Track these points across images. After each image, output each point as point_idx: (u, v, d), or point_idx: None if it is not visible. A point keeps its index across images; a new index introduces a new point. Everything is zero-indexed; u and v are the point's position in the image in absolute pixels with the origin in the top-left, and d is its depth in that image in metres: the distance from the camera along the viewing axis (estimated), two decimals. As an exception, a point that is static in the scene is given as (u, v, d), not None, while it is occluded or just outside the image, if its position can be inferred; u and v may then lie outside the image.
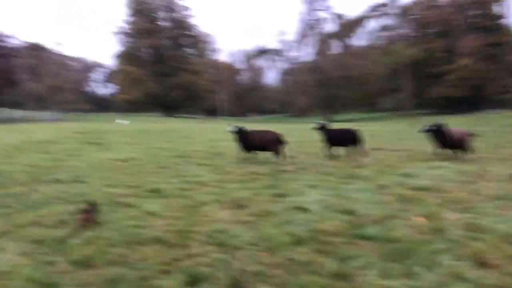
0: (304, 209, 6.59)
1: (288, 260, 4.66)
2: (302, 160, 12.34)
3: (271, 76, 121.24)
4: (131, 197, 7.42)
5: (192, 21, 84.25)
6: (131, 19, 79.19)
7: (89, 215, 5.79)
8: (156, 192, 7.81)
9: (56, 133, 21.25)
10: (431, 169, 10.28)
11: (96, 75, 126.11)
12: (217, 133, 22.25)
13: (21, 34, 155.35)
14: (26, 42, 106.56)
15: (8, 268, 4.38)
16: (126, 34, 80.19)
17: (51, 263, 4.55)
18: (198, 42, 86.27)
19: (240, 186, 8.38)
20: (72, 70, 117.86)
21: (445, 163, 11.06)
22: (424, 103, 68.36)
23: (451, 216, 6.12)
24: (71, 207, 6.54)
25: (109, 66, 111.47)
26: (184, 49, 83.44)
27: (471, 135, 12.26)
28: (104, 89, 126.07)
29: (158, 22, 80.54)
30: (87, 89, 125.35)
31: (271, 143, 11.93)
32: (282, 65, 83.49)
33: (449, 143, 12.08)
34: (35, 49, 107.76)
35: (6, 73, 52.37)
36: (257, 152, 12.44)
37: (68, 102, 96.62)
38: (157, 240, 5.24)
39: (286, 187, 8.27)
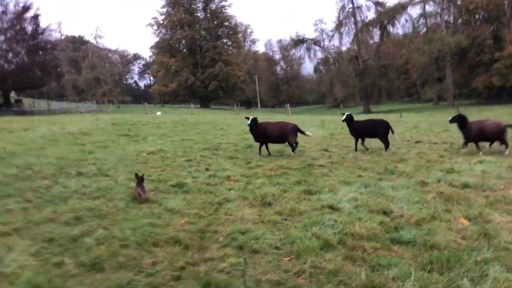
0: (335, 209, 6.06)
1: (313, 267, 4.16)
2: (337, 154, 11.72)
3: (308, 66, 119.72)
4: (154, 192, 7.10)
5: (229, 11, 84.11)
6: (168, 10, 79.74)
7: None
8: (179, 187, 7.47)
9: (89, 124, 21.41)
10: (475, 164, 9.46)
11: (136, 67, 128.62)
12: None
13: (63, 28, 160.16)
14: (68, 36, 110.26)
15: (11, 269, 4.10)
16: (162, 25, 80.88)
17: (58, 265, 4.25)
18: (235, 32, 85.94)
19: (268, 181, 7.92)
20: (112, 63, 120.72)
21: (490, 158, 10.19)
22: (468, 93, 65.56)
23: (499, 219, 5.43)
24: (89, 203, 6.28)
25: (148, 58, 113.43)
26: (221, 40, 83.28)
27: (507, 126, 11.20)
28: (143, 81, 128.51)
29: (195, 13, 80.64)
30: (127, 81, 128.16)
31: (286, 134, 11.49)
32: (320, 54, 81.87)
33: (474, 134, 11.32)
34: (77, 42, 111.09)
35: (48, 66, 53.70)
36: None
37: (108, 94, 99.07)
38: (173, 241, 4.87)
39: (317, 184, 7.74)
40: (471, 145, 11.62)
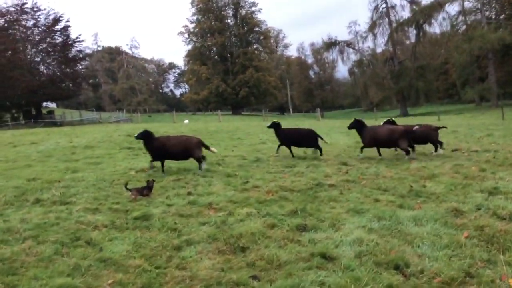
0: (329, 258, 4.40)
1: None
2: (356, 169, 9.94)
3: (342, 70, 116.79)
4: (106, 229, 5.60)
5: (260, 16, 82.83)
6: (198, 18, 79.36)
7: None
8: (143, 220, 5.95)
9: (103, 136, 20.40)
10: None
11: (171, 76, 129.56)
12: (270, 133, 20.16)
13: (100, 39, 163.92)
14: (105, 47, 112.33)
15: None
16: (193, 33, 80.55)
17: None
18: (266, 38, 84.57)
19: (257, 211, 6.28)
20: (148, 72, 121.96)
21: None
22: (514, 93, 61.46)
23: None
24: (11, 247, 4.86)
25: (182, 67, 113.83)
26: (252, 46, 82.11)
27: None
28: (178, 90, 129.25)
29: (225, 20, 79.89)
30: (163, 90, 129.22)
31: (190, 150, 10.06)
32: (354, 57, 79.13)
33: (369, 141, 11.57)
34: (113, 53, 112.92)
35: (78, 76, 54.18)
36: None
37: (143, 103, 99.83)
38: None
39: (318, 214, 6.05)
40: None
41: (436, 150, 11.90)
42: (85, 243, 5.08)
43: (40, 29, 51.26)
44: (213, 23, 77.33)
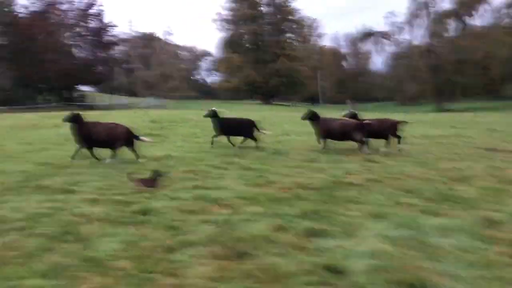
0: (336, 272, 3.85)
1: None
2: (381, 166, 9.28)
3: (378, 61, 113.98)
4: (99, 223, 5.21)
5: (294, 5, 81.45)
6: (233, 5, 78.77)
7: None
8: (142, 214, 5.52)
9: (126, 121, 20.24)
10: None
11: (204, 64, 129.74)
12: (296, 124, 19.49)
13: (135, 25, 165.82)
14: (140, 33, 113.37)
15: None
16: (228, 21, 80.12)
17: None
18: (300, 27, 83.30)
19: (265, 210, 5.76)
20: (182, 59, 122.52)
21: None
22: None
23: None
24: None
25: (215, 54, 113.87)
26: (286, 34, 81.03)
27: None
28: (211, 77, 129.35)
29: (259, 8, 78.98)
30: (195, 77, 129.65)
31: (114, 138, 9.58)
32: (391, 49, 76.87)
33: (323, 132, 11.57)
34: (148, 39, 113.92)
35: (110, 61, 54.88)
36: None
37: (176, 89, 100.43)
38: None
39: (332, 217, 5.48)
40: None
41: (386, 146, 11.87)
42: (73, 238, 4.69)
43: (74, 13, 51.94)
44: (247, 10, 76.61)
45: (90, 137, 9.57)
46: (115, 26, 55.22)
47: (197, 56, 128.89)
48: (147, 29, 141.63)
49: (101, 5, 55.30)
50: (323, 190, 7.00)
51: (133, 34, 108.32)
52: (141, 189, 6.70)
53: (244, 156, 10.44)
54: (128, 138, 9.73)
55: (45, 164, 8.87)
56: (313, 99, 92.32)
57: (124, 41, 73.87)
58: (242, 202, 6.16)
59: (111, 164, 9.08)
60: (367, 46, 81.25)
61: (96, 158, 9.66)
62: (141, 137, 10.11)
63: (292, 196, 6.56)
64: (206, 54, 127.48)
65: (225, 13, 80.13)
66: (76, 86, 56.29)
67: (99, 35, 52.60)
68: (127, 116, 26.31)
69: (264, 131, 12.57)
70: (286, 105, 70.59)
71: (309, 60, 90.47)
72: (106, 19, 53.74)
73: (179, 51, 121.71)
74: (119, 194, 6.50)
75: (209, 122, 12.80)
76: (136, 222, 5.25)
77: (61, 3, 51.08)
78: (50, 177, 7.62)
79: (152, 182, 6.88)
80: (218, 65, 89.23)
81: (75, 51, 53.64)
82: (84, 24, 52.35)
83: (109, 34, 54.49)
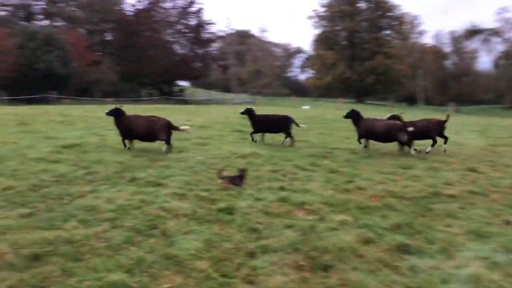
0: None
1: None
2: (487, 178, 8.39)
3: (485, 61, 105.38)
4: (184, 219, 5.23)
5: (394, 1, 78.04)
6: (330, 2, 77.49)
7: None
8: (226, 213, 5.46)
9: (219, 117, 20.78)
10: None
11: (298, 61, 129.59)
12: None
13: (233, 22, 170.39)
14: (236, 30, 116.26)
15: None
16: (322, 17, 79.04)
17: None
18: (400, 23, 79.62)
19: (354, 219, 5.41)
20: (274, 56, 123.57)
21: None
22: None
23: None
24: (85, 230, 4.72)
25: (308, 51, 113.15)
26: (383, 31, 77.96)
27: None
28: (304, 74, 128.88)
29: (357, 4, 76.80)
30: (287, 74, 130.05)
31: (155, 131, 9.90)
32: (501, 47, 70.56)
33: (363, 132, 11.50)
34: (243, 36, 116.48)
35: (207, 58, 56.89)
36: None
37: (267, 86, 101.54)
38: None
39: (429, 232, 5.01)
40: None
41: (432, 146, 11.43)
42: (159, 233, 4.76)
43: (177, 10, 54.59)
44: (344, 7, 74.91)
45: (130, 129, 10.03)
46: (213, 23, 57.20)
47: (291, 53, 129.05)
48: (243, 27, 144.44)
49: (201, 3, 57.35)
50: (418, 201, 6.45)
51: (230, 31, 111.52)
52: (227, 187, 6.67)
53: (334, 158, 10.07)
54: (168, 130, 10.04)
55: (141, 156, 9.25)
56: (410, 99, 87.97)
57: (220, 38, 76.23)
58: (329, 209, 5.86)
59: (201, 159, 9.21)
60: (473, 44, 75.25)
61: (126, 147, 10.22)
62: (181, 127, 10.49)
63: (383, 206, 6.12)
64: (299, 51, 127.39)
65: (321, 9, 79.10)
66: (175, 81, 59.20)
67: (197, 32, 54.77)
68: (221, 111, 27.01)
69: (302, 125, 12.82)
70: (382, 105, 67.97)
71: (408, 58, 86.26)
72: (205, 17, 55.95)
73: (273, 48, 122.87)
74: (205, 191, 6.53)
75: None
76: (220, 221, 5.20)
77: (164, 1, 53.97)
78: (143, 169, 7.90)
79: (238, 180, 6.83)
80: (311, 62, 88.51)
81: (175, 47, 56.40)
82: (185, 22, 54.86)
83: (207, 31, 56.54)
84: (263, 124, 12.34)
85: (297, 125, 12.37)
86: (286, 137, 12.25)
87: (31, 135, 12.16)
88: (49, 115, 20.24)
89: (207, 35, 56.99)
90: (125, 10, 54.77)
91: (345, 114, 12.04)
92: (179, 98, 50.57)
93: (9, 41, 37.72)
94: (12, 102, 34.62)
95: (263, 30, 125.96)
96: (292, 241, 4.59)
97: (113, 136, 11.71)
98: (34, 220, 4.98)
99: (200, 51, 55.96)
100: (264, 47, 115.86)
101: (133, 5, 54.88)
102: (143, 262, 4.00)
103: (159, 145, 10.39)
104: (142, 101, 45.07)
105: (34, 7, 53.02)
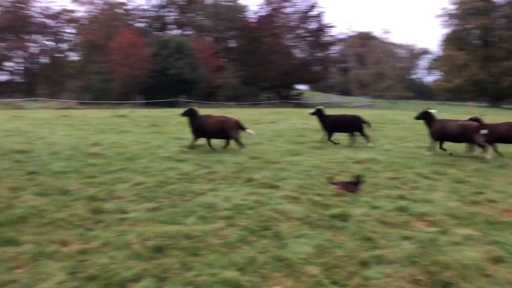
0: None
1: None
2: None
3: None
4: (297, 223, 5.23)
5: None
6: (461, -1, 71.91)
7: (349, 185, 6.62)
8: (339, 219, 5.35)
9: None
10: None
11: (423, 62, 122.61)
12: None
13: (354, 24, 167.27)
14: (357, 32, 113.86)
15: None
16: (453, 15, 73.65)
17: None
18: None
19: (478, 235, 4.91)
20: (398, 57, 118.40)
21: None
22: None
23: None
24: (201, 226, 4.98)
25: (436, 52, 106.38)
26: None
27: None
28: (430, 76, 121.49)
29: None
30: (411, 76, 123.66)
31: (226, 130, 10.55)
32: None
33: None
34: (364, 38, 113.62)
35: (326, 61, 56.64)
36: None
37: (389, 89, 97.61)
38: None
39: None
40: None
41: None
42: (272, 235, 4.83)
43: (297, 15, 55.28)
44: (477, 3, 68.88)
45: (203, 128, 10.70)
46: (333, 26, 56.86)
47: (416, 54, 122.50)
48: (364, 28, 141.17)
49: (322, 7, 57.31)
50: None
51: (351, 33, 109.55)
52: (341, 193, 6.53)
53: (461, 167, 9.27)
54: (237, 129, 10.65)
55: (257, 158, 9.51)
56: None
57: (341, 41, 75.27)
58: (452, 222, 5.40)
59: (315, 163, 9.16)
60: None
61: (211, 147, 10.87)
62: (247, 130, 10.86)
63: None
64: (425, 52, 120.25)
65: (451, 7, 73.77)
66: (293, 85, 59.98)
67: (317, 36, 54.87)
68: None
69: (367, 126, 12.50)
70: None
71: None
72: (325, 20, 55.84)
73: (396, 50, 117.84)
74: (319, 195, 6.47)
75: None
76: (333, 227, 5.11)
77: (285, 6, 55.01)
78: (259, 171, 8.11)
79: (353, 186, 6.63)
80: (439, 63, 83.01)
81: (294, 51, 57.14)
82: (305, 26, 55.33)
83: (328, 34, 56.33)
84: (333, 125, 12.36)
85: (368, 124, 12.29)
86: (364, 138, 12.21)
87: (161, 135, 13.22)
88: (178, 118, 21.86)
89: (327, 38, 56.76)
90: (248, 18, 57.02)
91: (416, 115, 11.70)
92: (297, 102, 51.10)
93: (146, 50, 41.67)
94: (147, 105, 38.19)
95: (386, 31, 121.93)
96: (410, 253, 4.32)
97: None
98: (159, 214, 5.40)
99: (319, 54, 55.99)
100: (387, 48, 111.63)
101: (255, 12, 56.99)
102: (255, 262, 4.09)
103: (279, 148, 10.58)
104: (260, 104, 46.42)
105: (168, 18, 57.84)
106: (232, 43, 59.52)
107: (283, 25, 55.40)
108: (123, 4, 55.18)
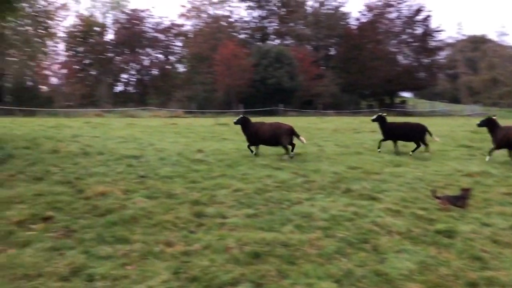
0: None
1: None
2: None
3: None
4: (398, 237, 5.01)
5: None
6: None
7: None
8: (444, 235, 5.01)
9: (443, 129, 19.22)
10: None
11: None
12: None
13: (466, 27, 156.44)
14: (468, 36, 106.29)
15: None
16: None
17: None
18: None
19: None
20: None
21: None
22: None
23: None
24: (298, 235, 4.97)
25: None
26: None
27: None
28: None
29: None
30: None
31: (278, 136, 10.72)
32: None
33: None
34: (478, 42, 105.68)
35: (433, 67, 53.61)
36: None
37: (506, 96, 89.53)
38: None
39: None
40: None
41: None
42: (370, 248, 4.67)
43: (401, 20, 53.21)
44: None
45: (257, 135, 10.96)
46: (441, 30, 53.78)
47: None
48: (477, 31, 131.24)
49: (430, 10, 54.56)
50: None
51: (461, 37, 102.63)
52: (446, 207, 6.10)
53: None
54: (291, 136, 10.73)
55: (356, 168, 9.27)
56: None
57: (449, 45, 70.89)
58: None
59: (419, 175, 8.68)
60: None
61: (255, 154, 11.02)
62: (301, 137, 10.79)
63: None
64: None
65: None
66: (397, 92, 57.72)
67: (424, 41, 52.25)
68: (445, 123, 25.09)
69: (436, 138, 12.00)
70: None
71: None
72: (433, 24, 52.99)
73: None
74: (423, 209, 6.12)
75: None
76: (438, 244, 4.80)
77: (390, 12, 53.24)
78: (358, 182, 7.89)
79: (460, 200, 6.16)
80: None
81: (398, 58, 55.02)
82: (410, 31, 53.03)
83: (435, 39, 53.41)
84: (394, 132, 12.12)
85: (431, 135, 11.78)
86: (417, 147, 11.69)
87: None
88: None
89: (435, 43, 53.80)
90: (349, 25, 56.18)
91: (478, 122, 11.34)
92: (400, 110, 49.00)
93: (247, 60, 43.03)
94: (247, 114, 39.28)
95: (502, 34, 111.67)
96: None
97: (331, 147, 12.08)
98: (256, 221, 5.51)
99: (425, 60, 53.22)
100: (503, 52, 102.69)
101: (357, 19, 55.95)
102: (352, 274, 3.99)
103: (380, 159, 10.23)
104: (361, 112, 45.31)
105: (268, 28, 59.17)
106: (332, 51, 59.01)
107: (387, 30, 53.67)
108: (227, 17, 57.66)
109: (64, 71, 43.49)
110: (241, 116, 11.90)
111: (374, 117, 12.66)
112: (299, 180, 7.97)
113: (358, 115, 40.23)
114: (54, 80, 44.40)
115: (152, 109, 41.84)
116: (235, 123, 11.68)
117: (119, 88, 57.10)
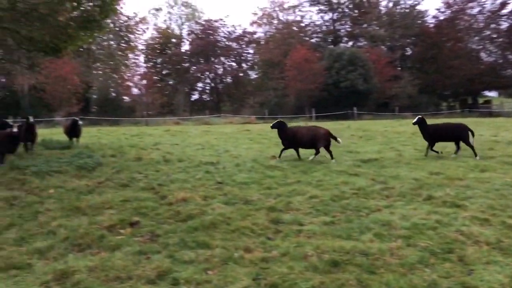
0: None
1: None
2: None
3: None
4: (486, 248, 4.72)
5: None
6: None
7: None
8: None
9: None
10: None
11: None
12: None
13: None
14: None
15: None
16: None
17: None
18: None
19: None
20: None
21: None
22: None
23: None
24: (361, 244, 4.85)
25: None
26: None
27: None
28: None
29: None
30: None
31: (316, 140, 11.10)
32: None
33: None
34: None
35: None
36: None
37: None
38: None
39: None
40: None
41: None
42: (456, 259, 4.45)
43: (484, 15, 50.03)
44: None
45: (294, 139, 11.28)
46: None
47: None
48: None
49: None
50: None
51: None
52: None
53: None
54: (328, 139, 11.02)
55: (438, 174, 8.84)
56: None
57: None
58: None
59: (508, 181, 8.10)
60: None
61: (299, 157, 11.44)
62: (338, 139, 11.29)
63: None
64: None
65: None
66: (480, 92, 54.31)
67: (510, 36, 48.59)
68: None
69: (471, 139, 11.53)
70: None
71: None
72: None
73: None
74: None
75: None
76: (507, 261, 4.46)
77: (471, 7, 50.30)
78: (441, 188, 7.53)
79: None
80: None
81: (481, 55, 51.76)
82: (494, 26, 49.64)
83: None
84: (436, 133, 11.83)
85: (473, 134, 11.54)
86: (458, 148, 11.70)
87: (334, 148, 13.31)
88: (350, 130, 21.87)
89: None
90: (426, 23, 53.80)
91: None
92: (484, 110, 45.97)
93: (319, 64, 42.75)
94: (320, 118, 39.00)
95: None
96: None
97: (410, 151, 11.65)
98: (334, 229, 5.46)
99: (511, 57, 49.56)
100: None
101: (434, 17, 53.44)
102: (437, 286, 3.84)
103: (463, 164, 9.69)
104: (441, 114, 43.13)
105: (341, 31, 58.37)
106: (408, 51, 56.84)
107: (467, 27, 50.70)
108: (298, 21, 57.71)
109: (144, 82, 45.90)
110: (278, 120, 12.12)
111: (415, 120, 12.17)
112: (377, 187, 7.78)
113: (437, 117, 38.31)
114: (135, 91, 47.03)
115: (226, 116, 42.91)
116: (272, 127, 11.87)
117: (195, 96, 59.34)
